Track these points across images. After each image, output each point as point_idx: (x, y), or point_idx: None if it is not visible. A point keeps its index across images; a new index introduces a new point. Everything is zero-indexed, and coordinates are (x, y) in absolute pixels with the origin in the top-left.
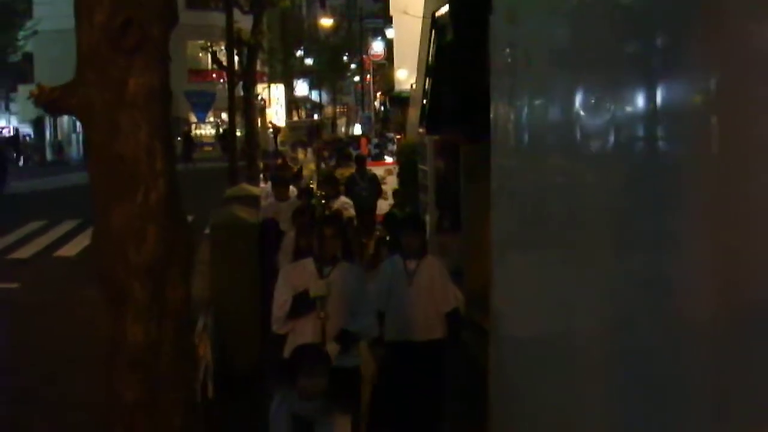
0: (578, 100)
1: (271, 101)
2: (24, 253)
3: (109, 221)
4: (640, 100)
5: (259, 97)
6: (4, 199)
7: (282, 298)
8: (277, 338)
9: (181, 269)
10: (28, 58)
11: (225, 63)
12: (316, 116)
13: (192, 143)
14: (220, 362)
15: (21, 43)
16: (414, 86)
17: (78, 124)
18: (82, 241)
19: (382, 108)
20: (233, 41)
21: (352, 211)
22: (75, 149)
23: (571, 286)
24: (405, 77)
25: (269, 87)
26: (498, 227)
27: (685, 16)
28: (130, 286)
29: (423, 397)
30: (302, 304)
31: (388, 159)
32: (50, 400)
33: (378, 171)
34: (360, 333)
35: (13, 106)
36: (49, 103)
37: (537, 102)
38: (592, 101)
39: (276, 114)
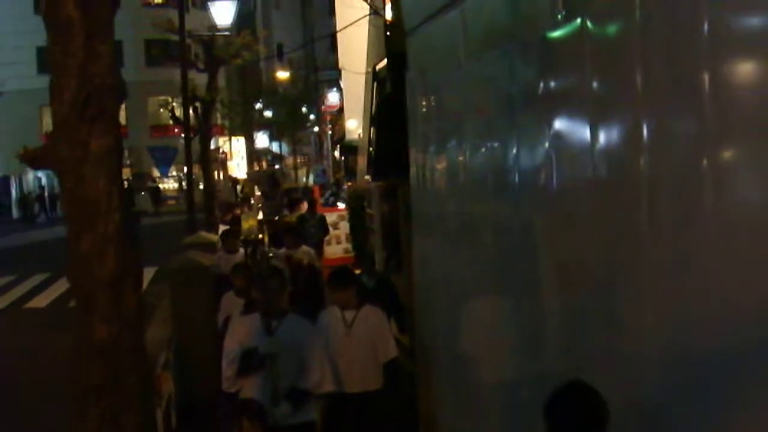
0: (471, 143)
1: (233, 154)
2: None
3: (79, 245)
4: (520, 142)
5: (221, 150)
6: None
7: (230, 355)
8: (230, 396)
9: (133, 281)
10: None
11: (181, 118)
12: (277, 166)
13: (159, 197)
14: (181, 394)
15: None
16: (361, 135)
17: (43, 183)
18: (51, 294)
19: (342, 157)
20: (188, 98)
21: (316, 261)
22: (40, 206)
23: (471, 306)
24: (354, 127)
25: (230, 140)
26: (416, 251)
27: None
28: (95, 294)
29: None
30: (251, 362)
31: (341, 205)
32: None
33: (331, 217)
34: (312, 389)
35: None
36: (32, 159)
37: (439, 145)
38: (483, 143)
39: (237, 166)
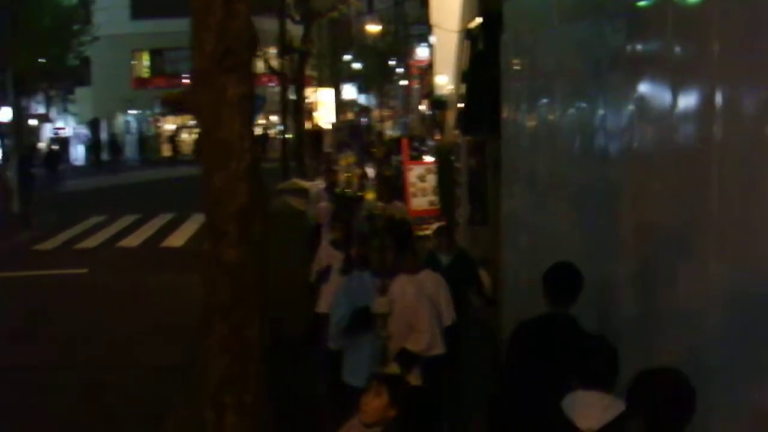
0: (562, 102)
1: (320, 104)
2: (89, 243)
3: (213, 182)
4: (606, 104)
5: (307, 101)
6: (66, 196)
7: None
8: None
9: (260, 214)
10: (84, 61)
11: (277, 68)
12: (363, 119)
13: (267, 144)
14: (272, 332)
15: (82, 48)
16: (451, 91)
17: (132, 126)
18: (142, 235)
19: (431, 112)
20: (285, 49)
21: (408, 217)
22: (130, 150)
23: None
24: (444, 82)
25: (317, 90)
26: (505, 205)
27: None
28: (226, 225)
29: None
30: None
31: (429, 158)
32: (129, 363)
33: (419, 170)
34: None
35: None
36: (175, 103)
37: (531, 104)
38: (572, 104)
39: (324, 117)
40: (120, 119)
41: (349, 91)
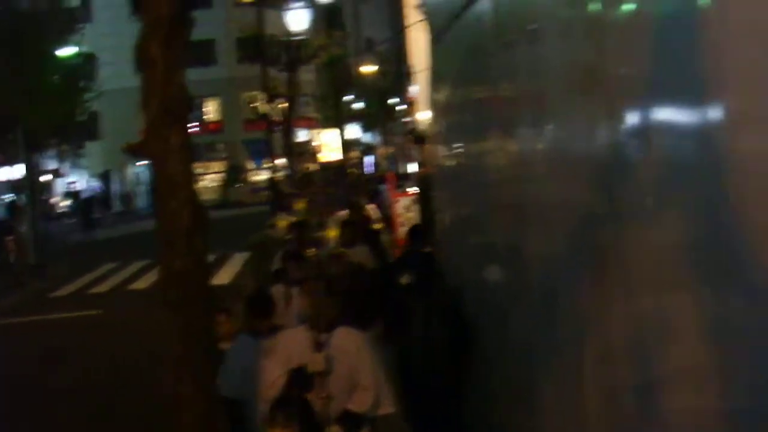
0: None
1: (324, 145)
2: (103, 288)
3: (165, 207)
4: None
5: (312, 142)
6: (82, 245)
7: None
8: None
9: (202, 231)
10: (94, 116)
11: (268, 113)
12: (369, 156)
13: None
14: None
15: (88, 104)
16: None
17: (142, 177)
18: (151, 277)
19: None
20: (271, 95)
21: (371, 263)
22: (140, 200)
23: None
24: (425, 118)
25: (320, 132)
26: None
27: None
28: (175, 240)
29: None
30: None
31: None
32: (142, 393)
33: (405, 200)
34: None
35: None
36: (133, 151)
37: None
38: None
39: (329, 157)
40: (130, 170)
41: (353, 131)
